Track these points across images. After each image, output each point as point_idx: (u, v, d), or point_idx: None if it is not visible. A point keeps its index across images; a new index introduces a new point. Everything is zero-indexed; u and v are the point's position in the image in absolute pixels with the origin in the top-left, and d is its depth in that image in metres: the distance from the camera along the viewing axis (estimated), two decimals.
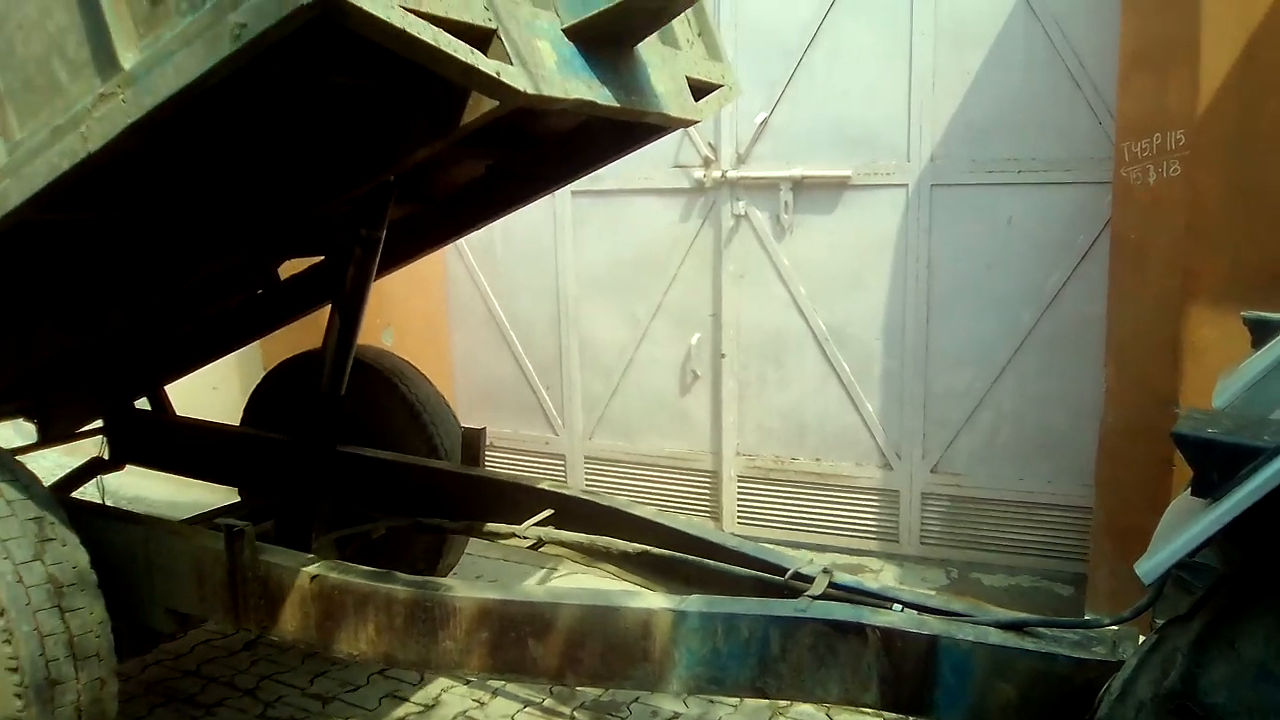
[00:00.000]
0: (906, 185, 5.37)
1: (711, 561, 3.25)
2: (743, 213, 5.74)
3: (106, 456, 4.82)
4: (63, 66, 2.43)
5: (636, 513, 3.62)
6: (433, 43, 2.14)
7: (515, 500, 3.85)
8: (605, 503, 3.74)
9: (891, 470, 5.67)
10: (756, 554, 3.25)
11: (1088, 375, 5.04)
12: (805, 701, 2.94)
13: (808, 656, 2.52)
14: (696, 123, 3.50)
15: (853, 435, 5.74)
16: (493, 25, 2.32)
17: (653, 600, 2.73)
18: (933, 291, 5.38)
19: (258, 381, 4.99)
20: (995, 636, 2.42)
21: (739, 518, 6.08)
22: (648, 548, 3.39)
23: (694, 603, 2.65)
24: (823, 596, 2.82)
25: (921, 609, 2.72)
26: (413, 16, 2.09)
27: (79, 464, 4.76)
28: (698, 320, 6.00)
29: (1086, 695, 2.14)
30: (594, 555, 3.54)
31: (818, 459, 5.84)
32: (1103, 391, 4.83)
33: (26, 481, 3.02)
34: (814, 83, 5.49)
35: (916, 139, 5.33)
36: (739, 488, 6.05)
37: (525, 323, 6.55)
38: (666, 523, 3.52)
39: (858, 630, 2.48)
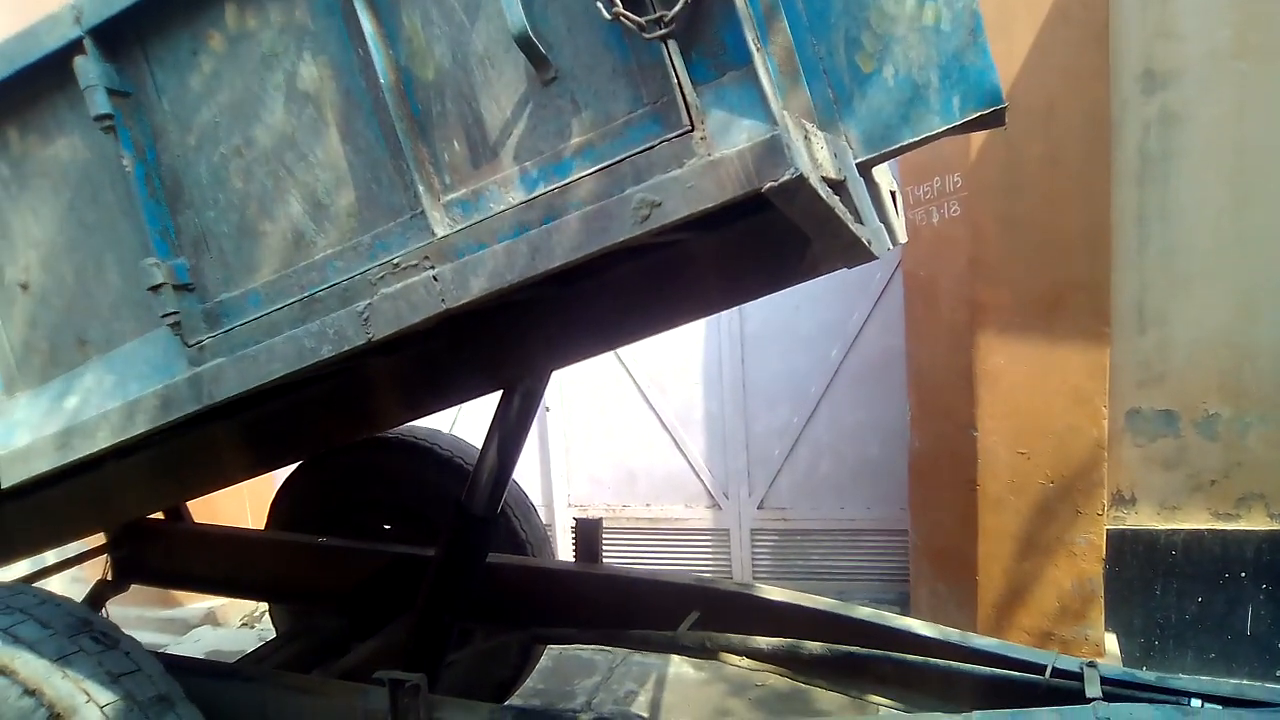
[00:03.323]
0: None
1: (934, 660, 2.75)
2: None
3: (110, 577, 4.08)
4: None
5: (808, 604, 3.11)
6: (837, 213, 1.73)
7: (649, 597, 3.34)
8: (765, 594, 3.23)
9: (720, 510, 5.83)
10: (989, 649, 2.80)
11: (894, 405, 5.32)
12: None
13: None
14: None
15: (680, 479, 5.88)
16: (842, 176, 1.85)
17: None
18: (745, 333, 5.59)
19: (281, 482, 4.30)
20: None
21: None
22: (852, 649, 2.85)
23: None
24: (1106, 696, 2.46)
25: (1220, 700, 2.41)
26: (827, 186, 1.68)
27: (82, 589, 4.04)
28: None
29: None
30: (779, 660, 2.94)
31: (648, 504, 5.95)
32: (908, 420, 5.10)
33: (131, 650, 2.42)
34: None
35: None
36: (572, 539, 6.04)
37: None
38: (849, 614, 3.05)
39: None
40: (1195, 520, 4.52)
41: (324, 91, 1.90)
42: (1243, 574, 4.45)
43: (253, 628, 5.88)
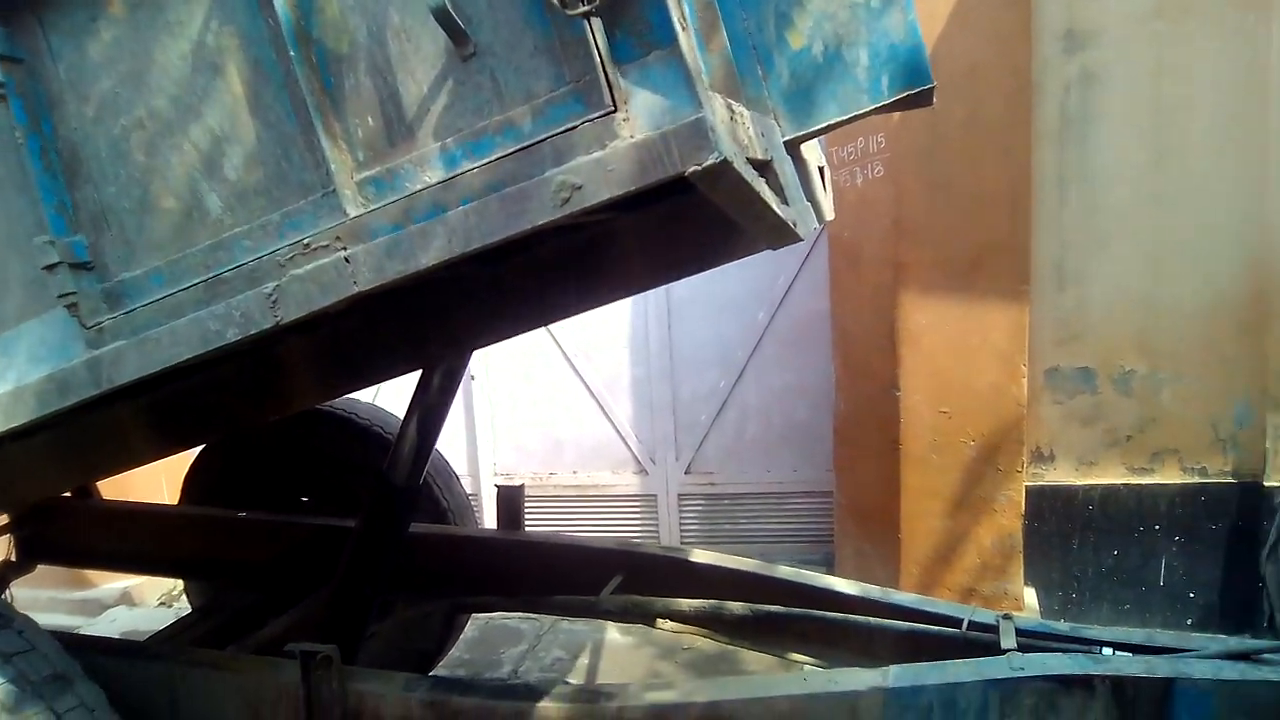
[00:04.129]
0: None
1: (854, 617, 2.81)
2: None
3: (14, 558, 3.91)
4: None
5: (732, 565, 3.14)
6: (763, 196, 1.69)
7: (572, 563, 3.33)
8: (687, 557, 3.24)
9: (647, 475, 5.83)
10: (908, 604, 2.86)
11: (820, 368, 5.36)
12: None
13: (1028, 719, 2.22)
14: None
15: (607, 445, 5.87)
16: (768, 156, 1.82)
17: (853, 679, 2.32)
18: (672, 299, 5.57)
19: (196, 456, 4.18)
20: (1231, 670, 2.18)
21: None
22: (774, 608, 2.89)
23: (900, 676, 2.27)
24: (1021, 648, 2.49)
25: (1131, 647, 2.47)
26: (752, 169, 1.64)
27: None
28: None
29: None
30: (703, 622, 2.98)
31: (575, 472, 5.93)
32: (833, 382, 5.14)
33: (26, 629, 2.33)
34: None
35: None
36: (496, 508, 6.01)
37: None
38: (772, 574, 3.07)
39: (1084, 682, 2.21)
40: (1111, 475, 4.64)
41: (232, 63, 1.80)
42: (1156, 527, 4.58)
43: (170, 607, 5.75)
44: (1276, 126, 4.27)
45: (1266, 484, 4.44)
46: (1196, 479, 4.56)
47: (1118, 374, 4.57)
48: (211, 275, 1.89)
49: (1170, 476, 4.58)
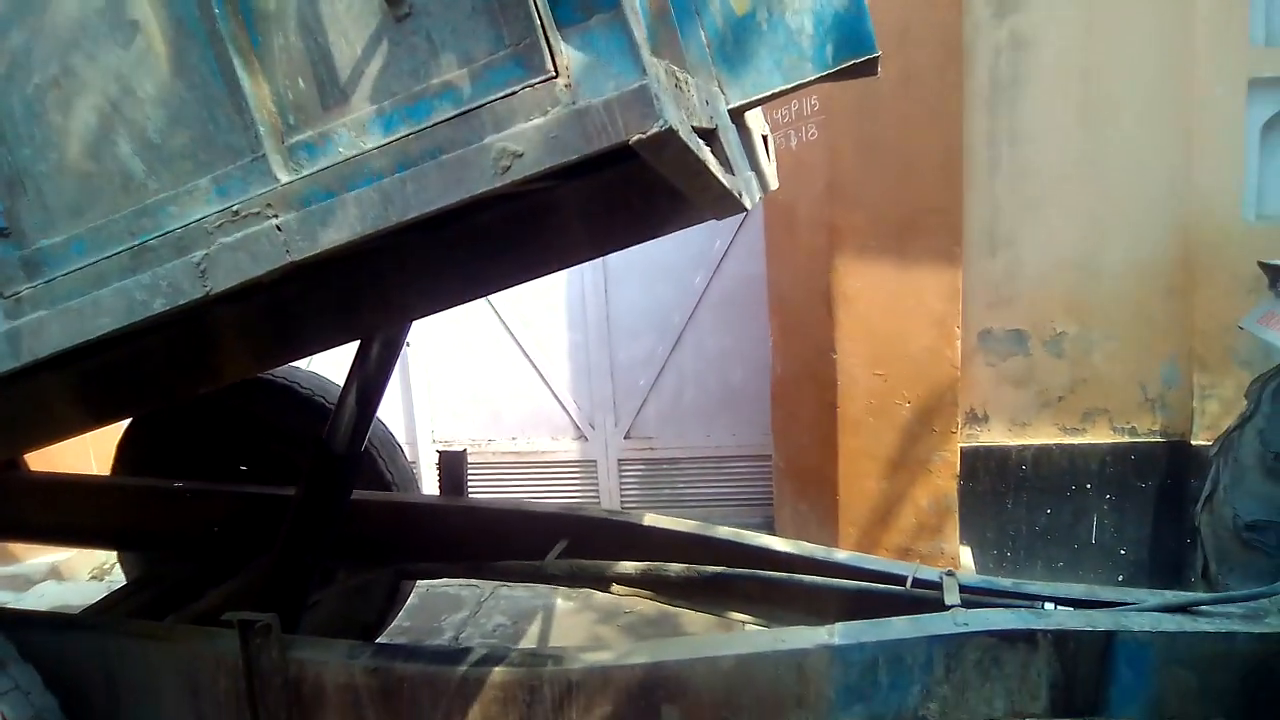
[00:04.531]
0: None
1: (798, 576, 2.82)
2: None
3: None
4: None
5: (676, 528, 3.13)
6: (708, 165, 1.64)
7: (516, 528, 3.30)
8: (633, 520, 3.23)
9: (587, 441, 5.82)
10: (852, 563, 2.88)
11: (758, 332, 5.38)
12: None
13: (972, 674, 2.25)
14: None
15: (546, 411, 5.85)
16: (713, 124, 1.78)
17: (799, 637, 2.32)
18: (608, 264, 5.54)
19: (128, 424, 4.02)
20: (1169, 623, 2.23)
21: None
22: (719, 569, 2.90)
23: (846, 633, 2.29)
24: (964, 604, 2.51)
25: (1072, 602, 2.52)
26: (697, 138, 1.60)
27: None
28: None
29: (1268, 670, 2.10)
30: (648, 585, 2.99)
31: (514, 438, 5.90)
32: (770, 346, 5.16)
33: None
34: None
35: None
36: (437, 475, 5.97)
37: None
38: (717, 535, 3.07)
39: (1027, 637, 2.23)
40: (1044, 436, 4.73)
41: (153, 19, 1.70)
42: (1088, 486, 4.69)
43: (102, 580, 5.62)
44: (1203, 92, 4.35)
45: (1193, 443, 4.56)
46: (1126, 438, 4.67)
47: (1049, 336, 4.65)
48: (136, 243, 1.80)
49: (1101, 436, 4.69)
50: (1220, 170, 4.38)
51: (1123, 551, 4.73)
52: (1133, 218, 4.50)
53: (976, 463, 4.76)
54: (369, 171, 1.61)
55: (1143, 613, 2.30)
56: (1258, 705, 2.14)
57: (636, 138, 1.41)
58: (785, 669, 2.25)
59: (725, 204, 1.85)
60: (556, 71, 1.47)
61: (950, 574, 2.70)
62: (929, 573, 2.74)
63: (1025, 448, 4.74)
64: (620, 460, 5.81)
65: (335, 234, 1.63)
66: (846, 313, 4.56)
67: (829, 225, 4.54)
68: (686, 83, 1.65)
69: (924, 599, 2.63)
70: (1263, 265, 2.90)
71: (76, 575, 5.73)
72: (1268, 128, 4.37)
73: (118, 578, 4.97)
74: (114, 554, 4.54)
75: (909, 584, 2.71)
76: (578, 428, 5.82)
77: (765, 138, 2.40)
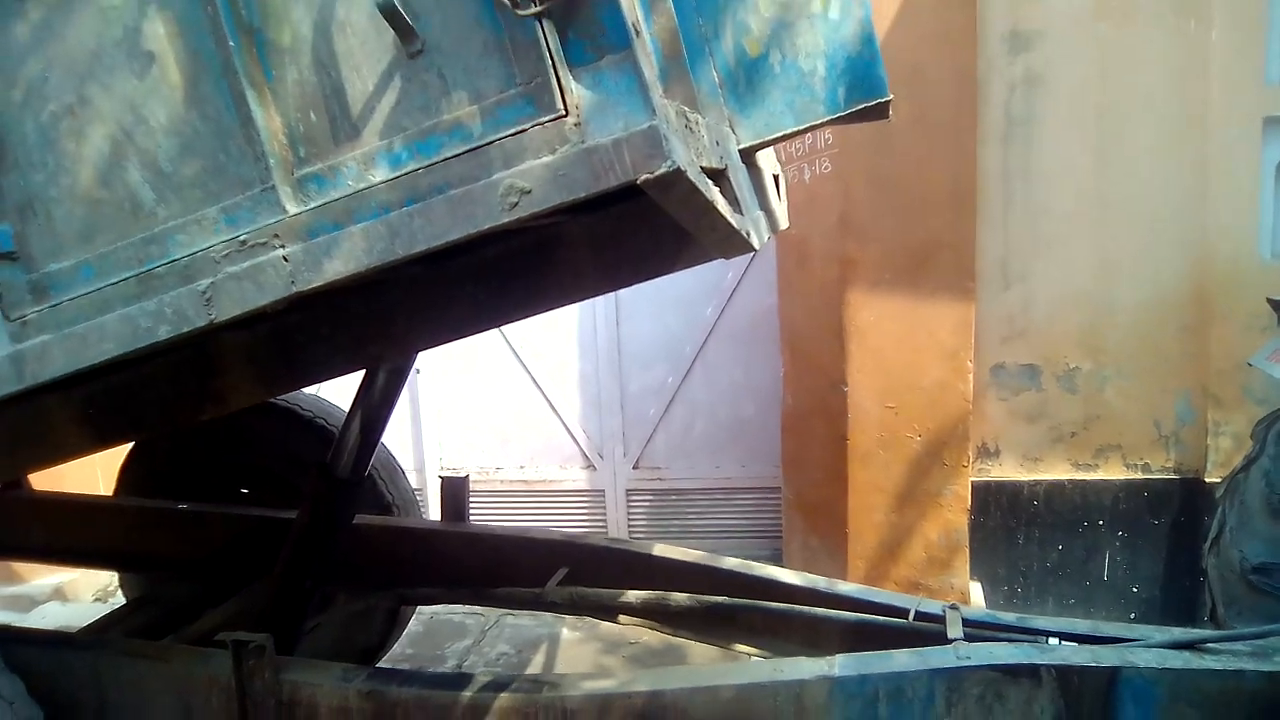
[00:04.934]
0: None
1: (800, 608, 2.81)
2: None
3: None
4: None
5: (677, 557, 3.12)
6: (716, 205, 1.65)
7: (517, 555, 3.29)
8: (634, 549, 3.24)
9: (595, 470, 5.79)
10: (855, 595, 2.86)
11: (769, 364, 5.35)
12: None
13: (974, 708, 2.21)
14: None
15: (555, 440, 5.83)
16: (723, 164, 1.78)
17: (799, 668, 2.30)
18: (620, 294, 5.53)
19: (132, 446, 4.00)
20: (1176, 659, 2.20)
21: None
22: (720, 599, 2.89)
23: (846, 665, 2.26)
24: (967, 638, 2.49)
25: (1077, 637, 2.49)
26: (706, 178, 1.61)
27: None
28: None
29: (1277, 708, 2.07)
30: (649, 615, 2.98)
31: (522, 466, 5.88)
32: (781, 378, 5.14)
33: None
34: None
35: None
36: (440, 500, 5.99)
37: None
38: (719, 565, 3.06)
39: (1030, 672, 2.19)
40: (1056, 471, 4.69)
41: (169, 50, 1.73)
42: (1100, 522, 4.65)
43: (106, 602, 5.60)
44: (1217, 129, 4.34)
45: (1207, 480, 4.51)
46: (1139, 475, 4.63)
47: (1062, 371, 4.62)
48: (143, 270, 1.82)
49: (1114, 472, 4.65)
50: (1235, 208, 4.36)
51: (1135, 589, 4.68)
52: (1147, 254, 4.48)
53: (988, 497, 4.72)
54: (377, 205, 1.62)
55: (1149, 649, 2.27)
56: None
57: (644, 177, 1.42)
58: (785, 700, 2.23)
59: (733, 243, 1.85)
60: (566, 110, 1.48)
61: (954, 607, 2.69)
62: (932, 606, 2.73)
63: (1037, 483, 4.70)
64: (629, 490, 5.78)
65: (341, 266, 1.64)
66: (858, 345, 4.54)
67: (842, 258, 4.53)
68: (697, 123, 1.66)
69: (927, 632, 2.61)
70: (1272, 302, 2.89)
71: (80, 597, 5.72)
72: None
73: (121, 600, 4.97)
74: (117, 575, 4.52)
75: (912, 617, 2.69)
76: (586, 457, 5.80)
77: (776, 177, 2.40)
